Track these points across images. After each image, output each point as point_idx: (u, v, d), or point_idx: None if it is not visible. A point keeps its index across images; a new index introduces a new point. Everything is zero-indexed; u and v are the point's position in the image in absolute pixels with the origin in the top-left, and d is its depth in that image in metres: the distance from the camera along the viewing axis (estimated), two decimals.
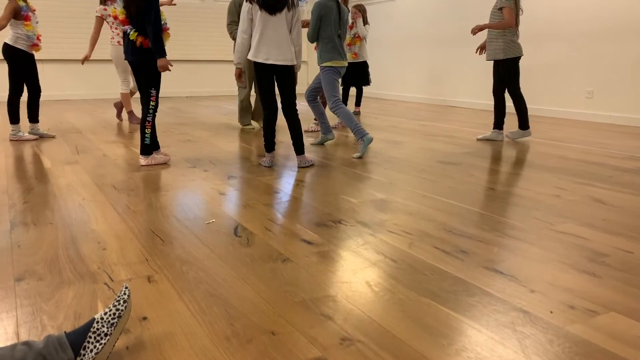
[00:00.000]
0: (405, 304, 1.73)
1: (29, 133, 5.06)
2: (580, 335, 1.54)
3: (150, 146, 3.86)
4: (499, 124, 5.24)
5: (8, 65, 4.84)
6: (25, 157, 4.16)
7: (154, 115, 3.82)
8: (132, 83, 6.36)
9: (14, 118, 4.88)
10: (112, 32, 6.12)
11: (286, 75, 3.73)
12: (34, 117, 5.09)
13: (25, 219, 2.60)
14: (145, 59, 3.69)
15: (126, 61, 6.08)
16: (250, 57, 3.69)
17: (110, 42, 6.16)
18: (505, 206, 2.91)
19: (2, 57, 4.80)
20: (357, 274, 1.97)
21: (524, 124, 5.18)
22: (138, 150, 3.93)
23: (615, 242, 2.33)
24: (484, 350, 1.46)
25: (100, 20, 6.05)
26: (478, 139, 5.30)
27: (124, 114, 6.87)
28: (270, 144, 3.87)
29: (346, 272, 1.99)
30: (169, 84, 10.17)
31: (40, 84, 5.14)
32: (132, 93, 6.46)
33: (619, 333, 1.55)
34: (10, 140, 4.92)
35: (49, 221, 2.58)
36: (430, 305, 1.72)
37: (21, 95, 4.94)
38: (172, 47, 10.11)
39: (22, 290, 1.81)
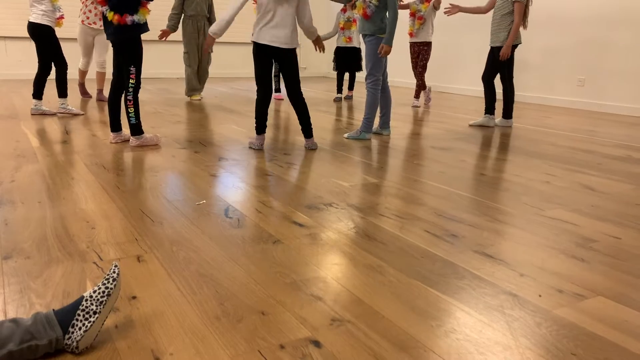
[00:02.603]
0: (395, 286, 1.74)
1: (60, 108, 5.20)
2: (567, 319, 1.55)
3: (138, 125, 3.80)
4: (490, 109, 5.25)
5: (37, 44, 4.95)
6: (14, 136, 4.10)
7: (136, 94, 3.74)
8: (85, 63, 6.37)
9: (38, 94, 5.10)
10: (82, 9, 6.05)
11: (288, 58, 3.71)
12: (62, 92, 5.16)
13: (12, 198, 2.57)
14: (125, 37, 3.63)
15: (89, 42, 6.13)
16: (254, 39, 3.65)
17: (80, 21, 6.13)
18: (496, 191, 2.93)
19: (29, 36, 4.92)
20: (348, 256, 1.98)
21: (507, 113, 5.21)
22: (129, 131, 3.89)
23: (604, 228, 2.36)
24: (473, 332, 1.47)
25: None
26: (470, 125, 5.31)
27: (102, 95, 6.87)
28: (261, 126, 3.84)
29: (336, 254, 1.99)
30: (160, 64, 10.07)
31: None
32: (84, 72, 6.49)
33: (605, 317, 1.57)
34: (32, 114, 5.09)
35: (37, 200, 2.55)
36: (420, 288, 1.73)
37: (49, 74, 5.10)
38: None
39: (10, 269, 1.79)
